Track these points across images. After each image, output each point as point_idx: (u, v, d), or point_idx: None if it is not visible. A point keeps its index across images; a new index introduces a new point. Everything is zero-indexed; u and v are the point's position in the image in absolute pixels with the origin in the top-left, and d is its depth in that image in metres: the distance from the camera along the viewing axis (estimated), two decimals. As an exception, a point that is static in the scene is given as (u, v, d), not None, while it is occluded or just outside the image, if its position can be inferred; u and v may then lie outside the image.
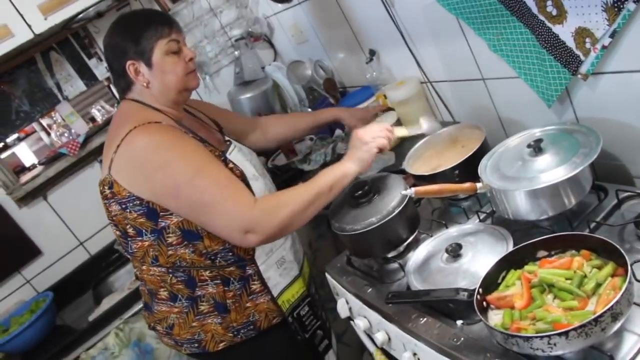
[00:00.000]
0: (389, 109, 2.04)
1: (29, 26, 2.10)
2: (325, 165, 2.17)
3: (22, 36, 2.10)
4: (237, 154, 1.58)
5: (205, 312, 1.51)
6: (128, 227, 1.44)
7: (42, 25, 2.12)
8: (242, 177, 1.47)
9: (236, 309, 1.51)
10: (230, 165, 1.48)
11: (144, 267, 1.51)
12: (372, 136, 1.43)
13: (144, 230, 1.42)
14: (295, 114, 2.15)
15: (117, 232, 1.50)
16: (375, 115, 1.98)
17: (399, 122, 2.01)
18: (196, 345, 1.55)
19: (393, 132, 1.49)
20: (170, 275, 1.48)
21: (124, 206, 1.40)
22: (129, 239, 1.47)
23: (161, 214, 1.39)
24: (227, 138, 1.67)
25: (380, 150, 1.45)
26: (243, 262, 1.50)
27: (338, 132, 2.30)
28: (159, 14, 1.55)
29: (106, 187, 1.42)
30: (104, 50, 1.52)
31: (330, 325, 1.82)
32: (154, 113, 1.46)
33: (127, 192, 1.38)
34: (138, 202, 1.38)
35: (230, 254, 1.47)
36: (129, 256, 1.55)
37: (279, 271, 1.59)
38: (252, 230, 1.32)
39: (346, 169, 1.42)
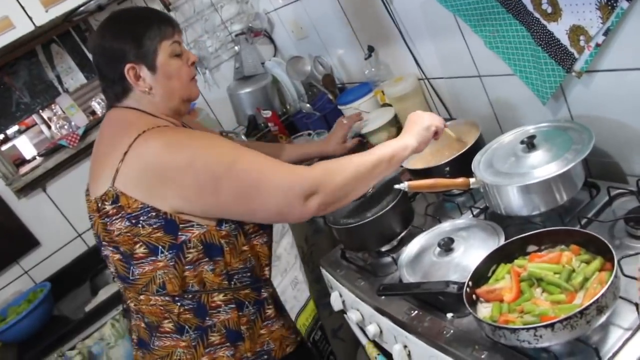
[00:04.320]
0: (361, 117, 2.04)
1: (30, 18, 2.10)
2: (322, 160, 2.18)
3: (23, 28, 2.10)
4: None
5: (217, 344, 1.34)
6: (137, 245, 1.26)
7: (43, 17, 2.12)
8: None
9: (250, 337, 1.37)
10: None
11: (142, 297, 1.33)
12: (431, 122, 1.43)
13: (160, 247, 1.26)
14: (285, 145, 2.07)
15: (117, 256, 1.31)
16: (350, 127, 1.97)
17: (395, 117, 2.03)
18: None
19: (445, 125, 1.49)
20: (178, 304, 1.31)
21: (134, 221, 1.24)
22: (133, 262, 1.29)
23: (181, 226, 1.25)
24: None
25: (436, 136, 1.44)
26: (259, 284, 1.38)
27: (336, 127, 2.31)
28: (159, 13, 1.40)
29: (107, 203, 1.25)
30: (92, 53, 1.37)
31: (333, 349, 1.68)
32: (157, 119, 1.32)
33: (139, 203, 1.22)
34: (154, 213, 1.23)
35: (249, 274, 1.36)
36: (123, 285, 1.37)
37: (293, 292, 1.47)
38: (315, 191, 1.21)
39: (407, 142, 1.37)
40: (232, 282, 1.34)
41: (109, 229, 1.28)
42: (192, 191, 1.22)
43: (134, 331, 1.45)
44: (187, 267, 1.28)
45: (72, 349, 2.05)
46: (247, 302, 1.36)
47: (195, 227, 1.26)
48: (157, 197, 1.22)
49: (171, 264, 1.27)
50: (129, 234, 1.26)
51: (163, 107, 1.36)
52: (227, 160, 1.22)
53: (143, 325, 1.38)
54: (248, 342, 1.36)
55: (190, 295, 1.31)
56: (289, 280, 1.46)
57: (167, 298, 1.31)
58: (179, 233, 1.25)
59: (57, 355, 2.03)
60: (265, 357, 1.40)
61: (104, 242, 1.33)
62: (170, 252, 1.26)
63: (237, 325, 1.35)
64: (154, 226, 1.24)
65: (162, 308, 1.32)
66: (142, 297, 1.33)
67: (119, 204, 1.24)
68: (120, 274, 1.33)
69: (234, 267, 1.33)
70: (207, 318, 1.33)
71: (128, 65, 1.29)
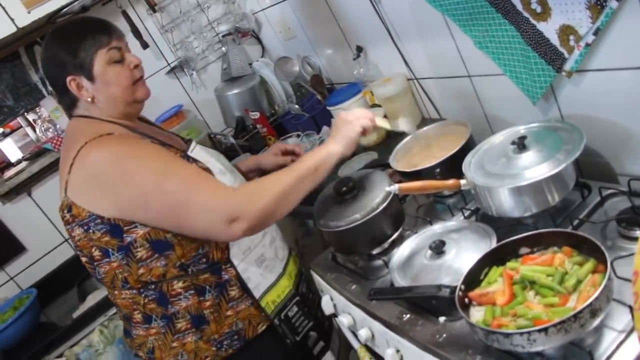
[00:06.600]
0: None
1: (12, 20, 2.07)
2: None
3: (4, 29, 2.07)
4: (200, 151, 1.52)
5: (184, 330, 1.42)
6: (93, 249, 1.35)
7: (25, 19, 2.09)
8: (209, 173, 1.41)
9: (216, 320, 1.43)
10: (193, 162, 1.42)
11: (115, 292, 1.43)
12: (356, 117, 1.45)
13: (110, 250, 1.34)
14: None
15: (84, 259, 1.41)
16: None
17: (385, 118, 2.02)
18: None
19: (374, 119, 1.49)
20: (142, 295, 1.39)
21: (86, 227, 1.32)
22: (95, 263, 1.38)
23: (125, 228, 1.31)
24: (187, 138, 1.62)
25: (364, 132, 1.45)
26: (218, 266, 1.42)
27: (325, 128, 2.30)
28: (95, 22, 1.42)
29: (65, 211, 1.34)
30: (41, 66, 1.44)
31: (330, 325, 1.71)
32: (104, 125, 1.37)
33: (87, 212, 1.30)
34: (99, 220, 1.30)
35: (204, 259, 1.40)
36: (99, 283, 1.47)
37: (259, 270, 1.49)
38: (237, 217, 1.24)
39: (330, 150, 1.41)
40: (189, 270, 1.39)
41: (72, 235, 1.37)
42: (125, 204, 1.29)
43: (122, 320, 1.56)
44: (140, 265, 1.35)
45: (60, 356, 2.03)
46: (207, 287, 1.41)
47: (139, 227, 1.32)
48: (98, 206, 1.30)
49: (124, 263, 1.35)
50: (85, 239, 1.34)
51: (110, 112, 1.40)
52: (155, 178, 1.27)
53: (122, 316, 1.51)
54: (214, 325, 1.43)
55: (152, 286, 1.39)
56: (253, 258, 1.48)
57: (133, 291, 1.40)
58: (124, 235, 1.32)
59: (44, 362, 2.01)
60: (236, 337, 1.45)
61: (75, 247, 1.41)
62: (120, 253, 1.34)
63: (200, 310, 1.41)
64: (102, 231, 1.32)
65: (130, 300, 1.41)
66: (115, 291, 1.43)
67: (72, 213, 1.32)
68: (92, 274, 1.43)
69: (187, 257, 1.37)
70: (170, 306, 1.40)
71: (69, 77, 1.35)
